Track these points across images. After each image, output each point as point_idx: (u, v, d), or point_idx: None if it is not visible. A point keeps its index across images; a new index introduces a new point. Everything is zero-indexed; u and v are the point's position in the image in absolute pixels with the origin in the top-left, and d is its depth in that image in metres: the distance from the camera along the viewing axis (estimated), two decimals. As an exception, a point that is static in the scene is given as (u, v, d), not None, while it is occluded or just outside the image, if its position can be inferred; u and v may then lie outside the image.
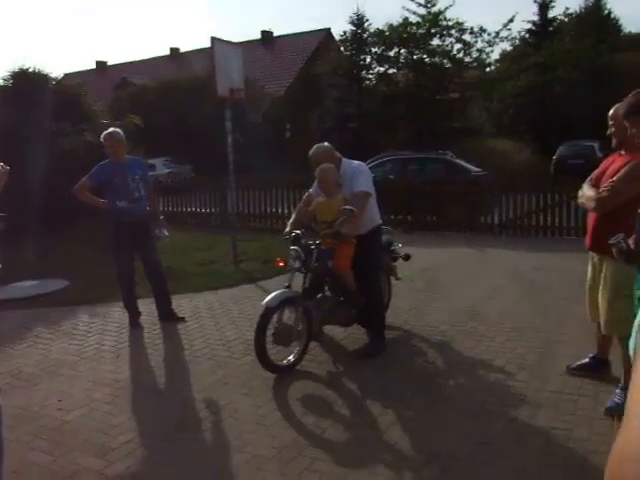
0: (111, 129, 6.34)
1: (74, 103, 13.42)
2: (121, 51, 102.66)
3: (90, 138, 12.46)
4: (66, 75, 38.49)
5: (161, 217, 6.56)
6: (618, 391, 4.04)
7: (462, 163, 14.19)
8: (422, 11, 25.72)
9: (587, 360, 4.55)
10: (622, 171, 3.82)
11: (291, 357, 4.92)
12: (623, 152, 4.02)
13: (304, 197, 5.72)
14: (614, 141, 4.03)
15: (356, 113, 27.45)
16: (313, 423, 3.98)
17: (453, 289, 7.39)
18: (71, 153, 11.79)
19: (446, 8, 25.30)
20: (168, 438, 3.86)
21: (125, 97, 29.76)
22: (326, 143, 5.33)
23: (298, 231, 5.11)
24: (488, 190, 12.01)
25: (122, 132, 6.29)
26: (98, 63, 46.29)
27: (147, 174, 6.43)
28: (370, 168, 14.12)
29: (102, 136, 6.23)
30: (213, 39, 8.16)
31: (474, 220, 11.77)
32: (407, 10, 26.18)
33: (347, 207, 4.77)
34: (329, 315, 5.24)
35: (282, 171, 19.18)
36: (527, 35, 33.52)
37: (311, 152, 5.25)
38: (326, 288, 5.34)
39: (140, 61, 41.96)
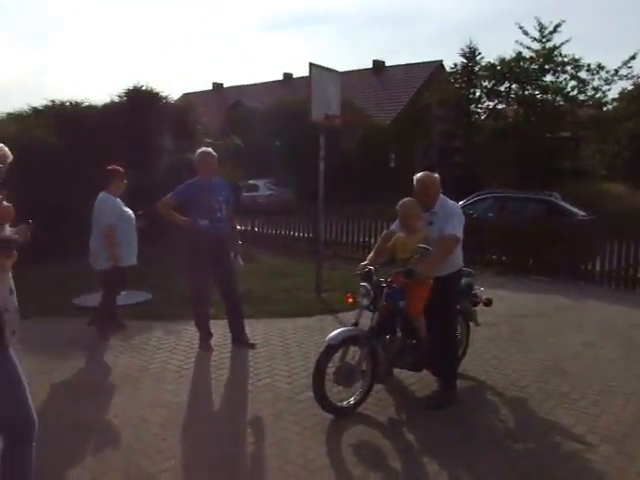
0: (203, 149, 6.39)
1: (180, 122, 13.85)
2: (236, 75, 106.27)
3: (191, 156, 12.79)
4: (184, 95, 40.37)
5: (240, 242, 6.52)
6: None
7: (567, 206, 13.45)
8: (536, 46, 24.96)
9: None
10: None
11: (352, 399, 4.68)
12: None
13: (384, 232, 5.50)
14: None
15: (463, 147, 26.89)
16: (361, 475, 3.72)
17: (540, 340, 6.89)
18: (171, 170, 12.12)
19: (562, 43, 24.40)
20: (209, 470, 3.73)
21: (237, 118, 30.64)
22: (435, 174, 5.07)
23: (371, 267, 4.89)
24: (594, 234, 11.28)
25: (214, 153, 6.31)
26: (215, 84, 48.06)
27: (230, 196, 6.41)
28: (470, 204, 13.87)
29: (196, 155, 6.28)
30: (311, 65, 8.13)
31: (574, 266, 11.09)
32: (521, 44, 25.44)
33: (422, 245, 4.51)
34: (397, 357, 4.95)
35: (385, 201, 18.95)
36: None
37: (417, 178, 4.98)
38: (398, 329, 5.07)
39: (254, 84, 43.18)
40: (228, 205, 6.29)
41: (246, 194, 23.01)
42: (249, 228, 15.49)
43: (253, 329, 6.82)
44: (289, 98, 29.15)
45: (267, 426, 4.42)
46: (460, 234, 4.81)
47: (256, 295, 8.44)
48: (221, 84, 48.05)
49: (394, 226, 5.22)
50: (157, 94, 13.98)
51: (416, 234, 4.80)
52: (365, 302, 4.73)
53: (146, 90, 13.88)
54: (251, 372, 5.60)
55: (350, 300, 4.94)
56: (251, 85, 43.22)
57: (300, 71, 39.37)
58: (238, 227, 7.06)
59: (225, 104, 37.46)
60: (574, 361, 6.14)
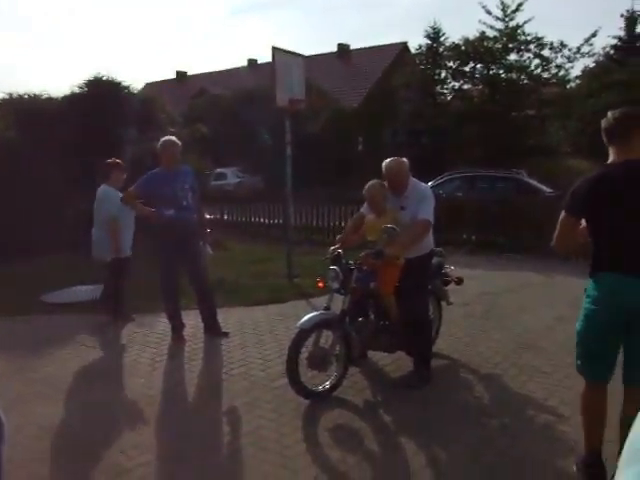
0: (166, 137, 6.29)
1: (144, 111, 13.62)
2: (201, 62, 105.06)
3: (156, 146, 12.61)
4: (147, 84, 39.80)
5: (208, 230, 6.45)
6: None
7: (534, 183, 13.59)
8: (499, 25, 25.02)
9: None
10: None
11: (327, 383, 4.66)
12: None
13: (355, 215, 5.47)
14: None
15: (430, 128, 26.91)
16: (339, 459, 3.70)
17: (512, 317, 6.95)
18: (136, 160, 11.92)
19: (525, 22, 24.47)
20: (185, 462, 3.66)
21: (200, 106, 30.28)
22: (404, 158, 5.03)
23: (340, 250, 4.87)
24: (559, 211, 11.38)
25: (177, 141, 6.21)
26: (178, 73, 47.43)
27: (196, 184, 6.32)
28: (438, 185, 13.91)
29: (159, 144, 6.17)
30: (274, 49, 8.02)
31: (543, 243, 11.18)
32: (484, 24, 25.48)
33: (390, 226, 4.48)
34: (371, 340, 4.94)
35: (354, 185, 18.94)
36: (612, 51, 32.25)
37: (385, 164, 4.94)
38: (370, 311, 5.06)
39: (218, 72, 42.71)
40: (194, 193, 6.20)
41: (214, 182, 22.84)
42: (218, 216, 15.39)
43: (225, 318, 6.76)
44: (254, 84, 28.94)
45: (242, 415, 4.38)
46: (432, 218, 4.80)
47: (227, 283, 8.37)
48: (185, 72, 47.43)
49: (363, 209, 5.19)
50: (119, 84, 13.68)
51: (385, 216, 4.78)
52: (335, 285, 4.70)
53: (107, 80, 13.57)
54: (225, 361, 5.55)
55: (321, 284, 4.90)
56: (215, 72, 42.74)
57: (265, 57, 39.05)
58: (207, 216, 6.97)
59: (189, 92, 37.01)
60: (546, 336, 6.20)
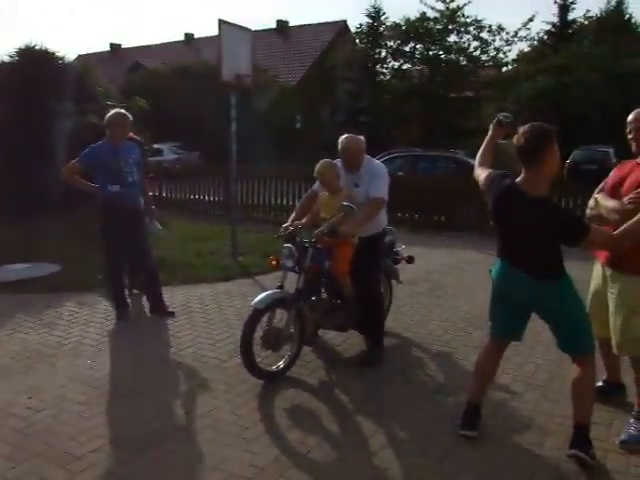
0: (116, 109, 6.04)
1: (79, 83, 13.08)
2: (136, 35, 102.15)
3: (94, 119, 12.16)
4: (79, 56, 38.41)
5: (153, 207, 6.25)
6: (632, 420, 3.70)
7: (473, 162, 13.78)
8: (440, 6, 25.26)
9: (600, 384, 4.18)
10: None
11: (281, 363, 4.59)
12: None
13: (307, 192, 5.38)
14: (634, 147, 3.69)
15: (368, 107, 26.98)
16: (298, 439, 3.64)
17: (458, 295, 7.04)
18: (74, 134, 11.48)
19: (464, 4, 24.86)
20: (139, 448, 3.53)
21: (137, 80, 29.47)
22: (361, 136, 4.93)
23: (293, 227, 4.79)
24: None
25: (128, 114, 5.97)
26: (112, 45, 45.99)
27: (141, 159, 6.10)
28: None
29: (108, 116, 5.89)
30: (220, 22, 7.79)
31: (484, 222, 11.39)
32: (425, 4, 25.74)
33: (346, 203, 4.43)
34: (324, 319, 4.90)
35: (292, 162, 18.88)
36: (546, 36, 33.05)
37: (342, 141, 4.83)
38: (322, 290, 5.00)
39: (154, 45, 41.62)
40: (140, 169, 5.98)
41: (151, 158, 22.28)
42: (157, 193, 15.03)
43: (171, 297, 6.60)
44: (193, 59, 28.32)
45: (196, 397, 4.26)
46: (386, 196, 4.77)
47: (170, 262, 8.15)
48: (119, 45, 46.02)
49: (316, 186, 5.11)
50: (52, 54, 13.11)
51: (339, 193, 4.72)
52: (289, 264, 4.62)
53: (40, 50, 12.98)
54: (173, 342, 5.40)
55: (274, 262, 4.81)
56: (151, 46, 41.62)
57: (202, 31, 38.29)
58: (150, 193, 6.74)
59: (124, 66, 35.94)
60: (493, 313, 6.28)
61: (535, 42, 30.23)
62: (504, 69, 26.56)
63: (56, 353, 5.10)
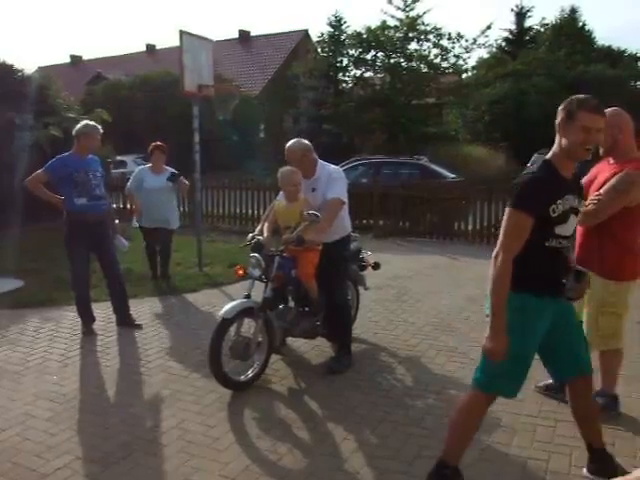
0: (87, 121, 6.02)
1: (39, 96, 12.94)
2: (97, 46, 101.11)
3: (55, 132, 12.05)
4: (40, 68, 37.83)
5: (116, 221, 6.22)
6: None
7: (437, 169, 13.93)
8: (400, 15, 25.52)
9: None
10: (610, 183, 3.61)
11: (250, 372, 4.58)
12: (612, 161, 3.80)
13: (272, 204, 5.40)
14: (601, 149, 3.80)
15: (331, 115, 27.11)
16: (269, 448, 3.64)
17: (424, 299, 7.11)
18: (34, 147, 11.36)
19: (424, 12, 25.12)
20: (109, 463, 3.50)
21: (98, 92, 29.18)
22: (305, 140, 4.98)
23: (260, 237, 4.81)
24: (463, 197, 11.77)
25: (99, 127, 5.95)
26: (73, 57, 45.46)
27: (104, 173, 6.08)
28: (343, 171, 13.96)
29: (79, 128, 5.82)
30: (181, 32, 7.78)
31: (448, 227, 11.55)
32: (385, 13, 26.01)
33: (311, 212, 4.46)
34: (292, 327, 4.91)
35: (255, 172, 18.88)
36: (504, 43, 33.67)
37: (287, 147, 4.87)
38: (290, 298, 5.02)
39: (116, 57, 41.23)
40: (105, 183, 5.96)
41: (114, 170, 22.07)
42: (121, 205, 14.88)
43: (138, 309, 6.56)
44: (155, 70, 28.15)
45: (165, 409, 4.23)
46: (344, 197, 4.80)
47: (136, 274, 8.11)
48: (80, 57, 45.50)
49: (280, 196, 5.13)
50: (11, 66, 12.98)
51: (296, 201, 4.75)
52: (256, 273, 4.64)
53: (-1, 62, 12.86)
54: (141, 354, 5.36)
55: (240, 272, 4.81)
56: (112, 57, 41.23)
57: (164, 42, 38.13)
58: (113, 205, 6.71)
59: (85, 77, 35.58)
60: (458, 316, 6.39)
61: (494, 49, 30.77)
62: (464, 75, 26.94)
63: (20, 370, 5.02)
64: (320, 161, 4.96)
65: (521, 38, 33.84)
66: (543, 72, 26.70)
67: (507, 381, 3.02)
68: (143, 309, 6.68)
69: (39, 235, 10.50)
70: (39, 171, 5.73)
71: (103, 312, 6.33)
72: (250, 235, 4.91)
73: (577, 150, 2.83)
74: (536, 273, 2.92)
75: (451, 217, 11.56)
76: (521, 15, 33.88)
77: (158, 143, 7.92)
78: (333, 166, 5.05)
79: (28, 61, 77.76)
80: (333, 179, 4.81)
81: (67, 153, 5.81)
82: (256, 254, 4.65)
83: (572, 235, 3.06)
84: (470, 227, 11.26)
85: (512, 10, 33.63)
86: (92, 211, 5.72)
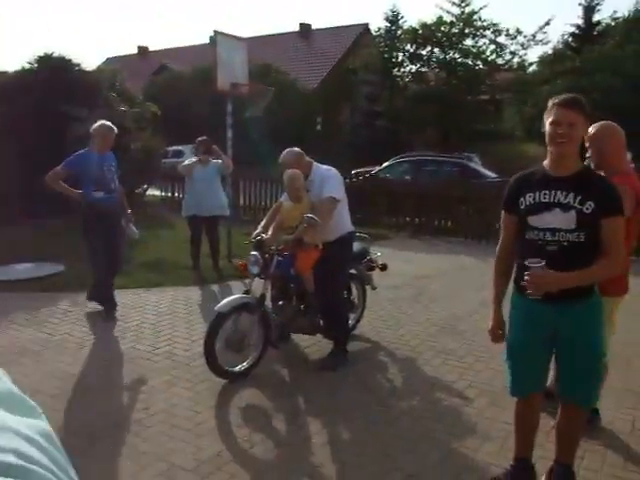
0: (102, 122, 6.32)
1: (94, 90, 13.47)
2: (163, 38, 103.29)
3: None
4: (108, 59, 39.08)
5: (129, 211, 6.58)
6: None
7: (479, 168, 13.88)
8: (456, 10, 25.28)
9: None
10: None
11: (245, 364, 4.82)
12: (602, 174, 3.84)
13: (275, 204, 5.61)
14: (592, 164, 3.85)
15: (386, 110, 27.10)
16: (245, 436, 3.88)
17: (440, 300, 7.21)
18: (83, 139, 11.84)
19: (480, 8, 24.84)
20: (95, 439, 3.80)
21: (160, 82, 29.97)
22: (296, 148, 5.20)
23: (264, 235, 5.02)
24: (498, 197, 11.67)
25: (114, 127, 6.28)
26: (140, 48, 46.64)
27: (117, 167, 6.42)
28: (387, 167, 14.09)
29: (96, 127, 6.19)
30: (215, 32, 8.07)
31: (484, 227, 11.51)
32: (441, 9, 25.78)
33: (309, 215, 4.65)
34: (291, 322, 5.14)
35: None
36: (570, 39, 32.73)
37: (281, 157, 5.13)
38: (291, 295, 5.23)
39: (181, 48, 42.11)
40: (117, 176, 6.35)
41: (166, 160, 22.68)
42: (169, 194, 15.40)
43: (160, 297, 6.92)
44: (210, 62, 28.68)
45: (160, 392, 4.52)
46: (337, 194, 4.92)
47: (167, 263, 8.47)
48: (146, 47, 46.66)
49: (283, 197, 5.33)
50: (69, 61, 13.55)
51: (301, 203, 4.94)
52: (255, 270, 4.86)
53: (58, 57, 13.44)
54: (152, 340, 5.68)
55: (242, 268, 5.06)
56: (177, 48, 42.14)
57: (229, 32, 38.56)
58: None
59: (151, 68, 36.53)
60: (467, 319, 6.45)
61: (560, 45, 29.99)
62: (522, 72, 26.42)
63: (41, 349, 5.40)
64: (315, 163, 5.15)
65: (589, 33, 32.83)
66: (606, 69, 25.90)
67: (510, 378, 3.26)
68: (166, 297, 7.02)
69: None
70: (58, 167, 6.10)
71: (127, 298, 6.69)
72: (254, 233, 5.13)
73: (550, 143, 3.03)
74: (517, 269, 3.16)
75: (487, 218, 11.52)
76: (589, 9, 32.85)
77: (204, 138, 8.32)
78: (326, 166, 5.21)
79: (98, 53, 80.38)
80: (326, 178, 4.98)
81: (84, 150, 6.17)
82: (255, 252, 4.87)
83: (568, 233, 2.95)
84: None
85: (579, 4, 32.68)
86: (109, 204, 6.11)
